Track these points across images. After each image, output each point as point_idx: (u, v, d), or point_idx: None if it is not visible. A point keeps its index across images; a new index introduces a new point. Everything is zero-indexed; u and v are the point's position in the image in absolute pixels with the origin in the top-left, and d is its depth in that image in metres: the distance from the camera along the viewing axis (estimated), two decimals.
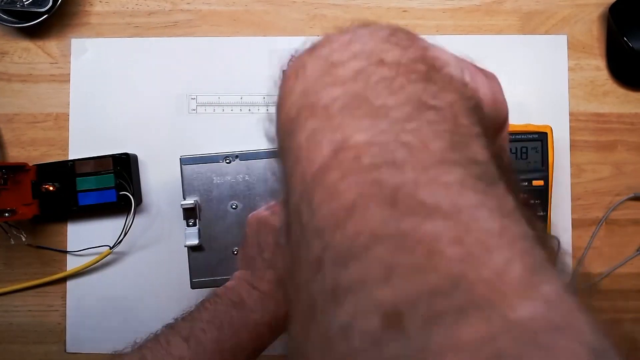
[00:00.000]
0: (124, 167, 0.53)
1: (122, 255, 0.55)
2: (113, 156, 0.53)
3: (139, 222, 0.54)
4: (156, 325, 0.55)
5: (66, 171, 0.53)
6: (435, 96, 0.17)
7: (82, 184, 0.53)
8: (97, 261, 0.54)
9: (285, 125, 0.19)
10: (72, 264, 0.55)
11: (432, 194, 0.14)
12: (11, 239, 0.52)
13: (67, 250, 0.55)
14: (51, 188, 0.53)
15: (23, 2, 0.54)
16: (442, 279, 0.13)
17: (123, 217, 0.53)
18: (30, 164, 0.53)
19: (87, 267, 0.54)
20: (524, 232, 0.14)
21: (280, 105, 0.20)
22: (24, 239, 0.53)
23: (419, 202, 0.14)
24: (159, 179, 0.55)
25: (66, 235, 0.55)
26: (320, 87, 0.18)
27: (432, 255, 0.13)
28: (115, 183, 0.52)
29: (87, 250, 0.54)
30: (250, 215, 0.45)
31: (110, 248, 0.53)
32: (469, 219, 0.14)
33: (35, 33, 0.56)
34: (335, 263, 0.14)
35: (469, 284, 0.12)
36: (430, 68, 0.18)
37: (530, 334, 0.12)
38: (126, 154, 0.53)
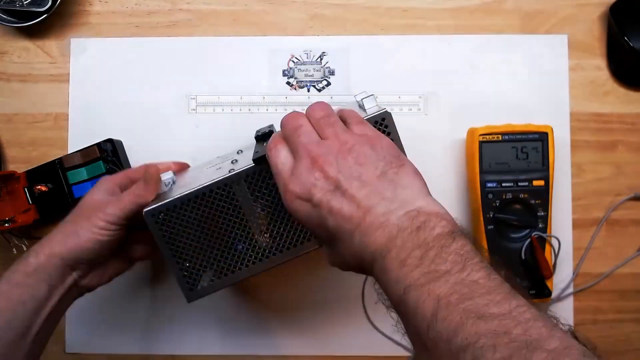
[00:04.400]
0: (112, 153, 0.53)
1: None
2: (98, 144, 0.53)
3: None
4: (155, 325, 0.55)
5: (55, 169, 0.53)
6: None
7: (74, 176, 0.53)
8: None
9: None
10: None
11: (496, 308, 0.27)
12: (13, 249, 0.52)
13: None
14: (44, 188, 0.53)
15: (22, 2, 0.54)
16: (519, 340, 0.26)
17: None
18: (20, 171, 0.53)
19: None
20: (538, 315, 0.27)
21: None
22: (25, 249, 0.53)
23: (492, 313, 0.27)
24: None
25: None
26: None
27: (507, 334, 0.26)
28: (106, 169, 0.53)
29: None
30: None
31: None
32: (517, 315, 0.27)
33: (34, 33, 0.56)
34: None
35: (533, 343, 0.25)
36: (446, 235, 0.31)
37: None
38: (110, 139, 0.53)
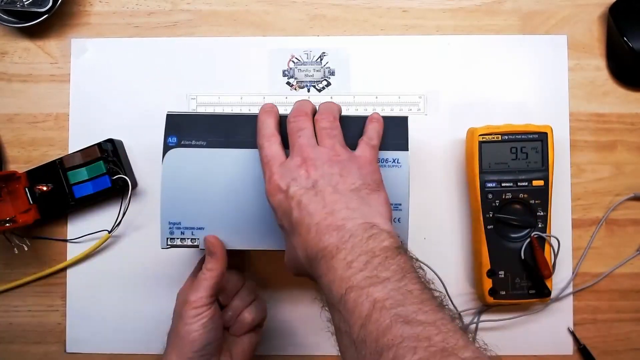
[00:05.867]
0: (112, 153, 0.53)
1: (121, 238, 0.55)
2: (98, 144, 0.53)
3: (136, 207, 0.55)
4: (155, 325, 0.55)
5: (56, 169, 0.53)
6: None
7: (75, 176, 0.53)
8: (97, 247, 0.54)
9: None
10: (72, 256, 0.55)
11: (424, 316, 0.30)
12: (15, 249, 0.52)
13: (67, 239, 0.55)
14: (45, 189, 0.53)
15: (23, 2, 0.54)
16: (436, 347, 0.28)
17: (120, 203, 0.53)
18: (21, 171, 0.53)
19: (87, 254, 0.54)
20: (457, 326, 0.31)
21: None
22: (26, 249, 0.52)
23: (419, 320, 0.30)
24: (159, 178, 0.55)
25: (67, 231, 0.55)
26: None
27: (428, 340, 0.29)
28: (106, 169, 0.53)
29: (86, 237, 0.54)
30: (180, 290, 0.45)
31: (109, 232, 0.53)
32: (440, 325, 0.29)
33: (35, 33, 0.56)
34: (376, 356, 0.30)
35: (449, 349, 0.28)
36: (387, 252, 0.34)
37: None
38: (110, 139, 0.53)
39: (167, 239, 0.44)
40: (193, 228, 0.44)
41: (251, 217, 0.43)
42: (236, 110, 0.56)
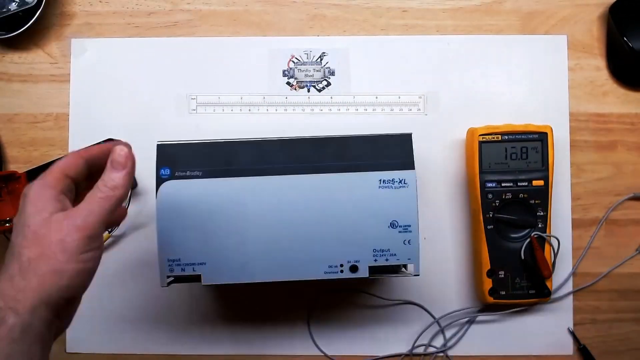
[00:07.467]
0: None
1: (121, 238, 0.55)
2: (98, 144, 0.53)
3: (136, 207, 0.55)
4: (156, 325, 0.55)
5: None
6: None
7: None
8: None
9: None
10: None
11: None
12: None
13: None
14: None
15: (9, 9, 0.53)
16: None
17: None
18: (21, 171, 0.53)
19: None
20: None
21: None
22: None
23: None
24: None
25: None
26: None
27: None
28: None
29: None
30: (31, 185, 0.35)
31: (109, 232, 0.53)
32: None
33: (35, 33, 0.56)
34: None
35: None
36: None
37: None
38: (111, 139, 0.53)
39: (167, 277, 0.42)
40: (194, 264, 0.41)
41: (254, 248, 0.41)
42: (236, 110, 0.56)
